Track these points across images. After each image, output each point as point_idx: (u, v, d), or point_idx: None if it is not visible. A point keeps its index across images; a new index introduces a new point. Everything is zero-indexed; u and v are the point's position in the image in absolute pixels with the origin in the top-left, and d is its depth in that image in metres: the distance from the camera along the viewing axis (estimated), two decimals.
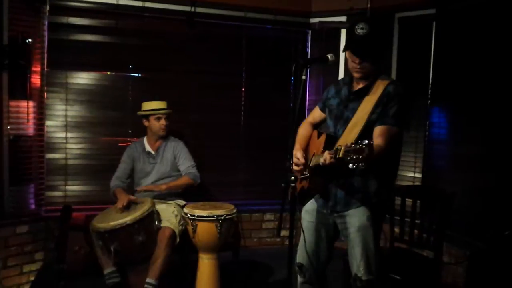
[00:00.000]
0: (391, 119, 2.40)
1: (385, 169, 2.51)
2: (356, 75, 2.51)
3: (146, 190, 3.82)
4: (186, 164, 4.00)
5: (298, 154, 2.53)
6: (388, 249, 3.45)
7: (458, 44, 3.98)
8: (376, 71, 2.51)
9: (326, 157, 2.20)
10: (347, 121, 2.51)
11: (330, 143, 2.41)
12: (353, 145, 2.03)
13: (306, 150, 2.67)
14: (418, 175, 4.39)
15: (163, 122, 3.96)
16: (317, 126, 2.86)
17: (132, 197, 3.70)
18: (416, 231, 3.38)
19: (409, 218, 3.39)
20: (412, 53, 4.45)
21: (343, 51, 2.50)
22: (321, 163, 2.26)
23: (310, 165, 2.50)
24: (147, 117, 3.99)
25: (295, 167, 2.50)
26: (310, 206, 2.74)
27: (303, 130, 2.81)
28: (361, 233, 2.49)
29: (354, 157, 2.02)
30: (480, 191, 3.71)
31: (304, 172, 2.52)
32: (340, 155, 2.08)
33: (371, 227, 2.50)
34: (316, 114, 2.85)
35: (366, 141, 2.01)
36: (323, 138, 2.56)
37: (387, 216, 3.44)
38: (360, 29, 2.39)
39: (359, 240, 2.50)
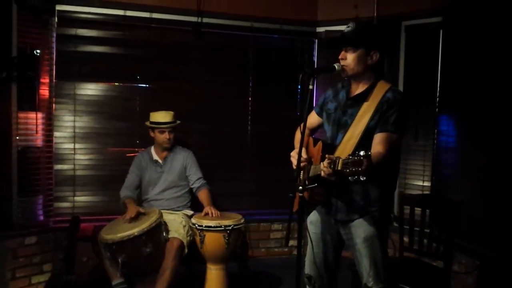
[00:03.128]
0: (392, 126, 2.37)
1: (386, 176, 2.48)
2: (342, 74, 2.48)
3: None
4: (198, 175, 4.07)
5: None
6: (398, 258, 3.42)
7: (466, 52, 3.96)
8: (373, 75, 2.49)
9: (324, 169, 2.17)
10: (345, 126, 2.49)
11: (328, 152, 2.35)
12: (351, 157, 2.01)
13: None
14: (427, 183, 4.36)
15: (166, 135, 3.98)
16: (313, 132, 2.82)
17: (141, 209, 3.71)
18: (425, 240, 3.36)
19: (418, 227, 3.37)
20: (419, 61, 4.43)
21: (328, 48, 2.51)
22: (321, 175, 2.22)
23: (310, 175, 2.47)
24: (152, 128, 4.01)
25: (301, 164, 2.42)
26: (314, 217, 2.71)
27: (300, 134, 2.79)
28: (368, 243, 2.47)
29: (354, 169, 1.99)
30: (489, 200, 3.67)
31: (306, 183, 2.48)
32: (339, 168, 2.06)
33: (377, 236, 2.48)
34: (312, 119, 2.78)
35: (363, 152, 1.98)
36: (319, 146, 2.51)
37: (395, 225, 3.44)
38: (346, 27, 2.44)
39: (366, 251, 2.47)
